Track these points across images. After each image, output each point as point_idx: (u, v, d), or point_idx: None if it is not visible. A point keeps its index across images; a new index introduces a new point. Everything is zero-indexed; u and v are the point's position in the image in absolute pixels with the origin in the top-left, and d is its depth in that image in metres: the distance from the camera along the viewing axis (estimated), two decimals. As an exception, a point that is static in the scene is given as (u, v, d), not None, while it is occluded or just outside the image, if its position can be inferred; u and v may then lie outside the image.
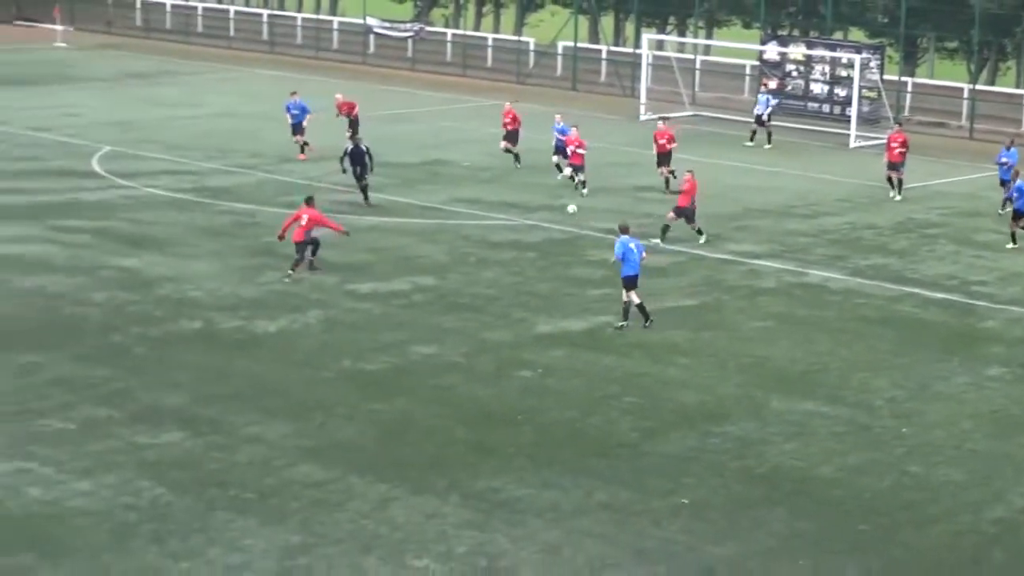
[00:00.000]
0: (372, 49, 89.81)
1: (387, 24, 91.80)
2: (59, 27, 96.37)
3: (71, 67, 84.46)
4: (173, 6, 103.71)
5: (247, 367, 33.39)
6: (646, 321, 36.45)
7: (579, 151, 50.51)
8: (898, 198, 52.46)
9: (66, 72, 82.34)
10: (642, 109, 71.18)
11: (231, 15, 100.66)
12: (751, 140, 63.43)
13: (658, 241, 43.87)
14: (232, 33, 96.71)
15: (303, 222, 40.16)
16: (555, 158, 53.66)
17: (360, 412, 30.88)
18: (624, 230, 37.08)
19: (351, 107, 58.11)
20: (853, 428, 30.58)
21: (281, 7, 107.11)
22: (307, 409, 30.90)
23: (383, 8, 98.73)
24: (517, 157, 55.21)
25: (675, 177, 50.57)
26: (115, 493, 26.40)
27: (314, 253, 40.78)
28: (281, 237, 40.55)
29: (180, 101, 70.04)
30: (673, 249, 44.46)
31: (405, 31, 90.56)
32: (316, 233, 40.54)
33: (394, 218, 48.15)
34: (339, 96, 59.14)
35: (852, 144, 63.64)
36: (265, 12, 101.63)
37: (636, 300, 36.30)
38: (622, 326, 36.19)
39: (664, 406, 31.63)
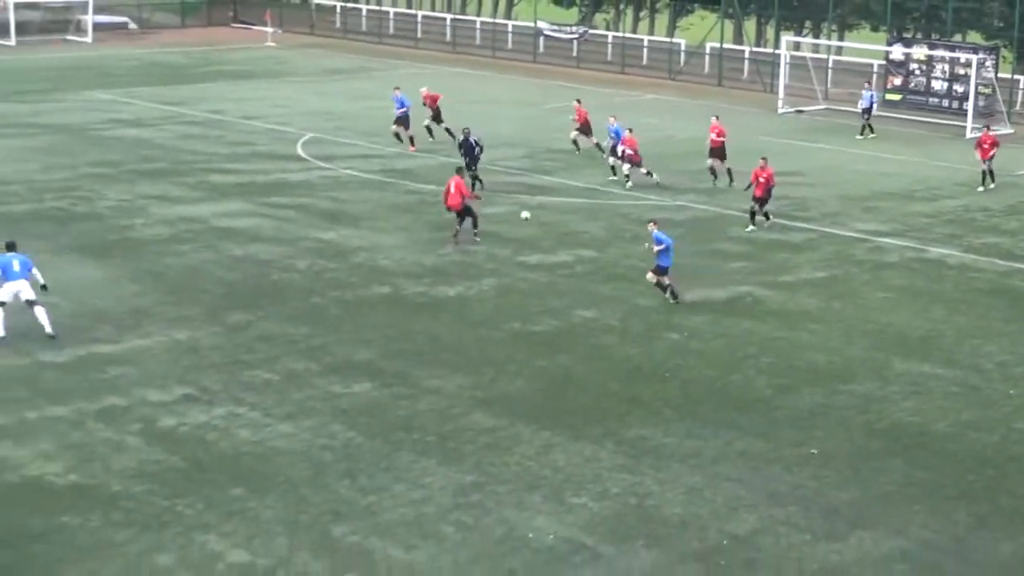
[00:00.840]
0: (542, 49, 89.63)
1: (555, 27, 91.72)
2: (270, 29, 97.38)
3: (280, 64, 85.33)
4: (368, 11, 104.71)
5: (428, 327, 33.60)
6: (675, 300, 35.43)
7: (629, 151, 48.84)
8: (992, 186, 51.25)
9: (275, 68, 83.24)
10: (780, 104, 70.67)
11: (418, 19, 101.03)
12: (861, 134, 62.53)
13: (753, 228, 43.41)
14: (419, 35, 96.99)
15: (452, 190, 40.46)
16: (610, 159, 51.11)
17: (527, 368, 30.97)
18: (654, 222, 35.87)
19: (434, 99, 57.90)
20: (965, 388, 30.15)
21: (463, 11, 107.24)
22: (481, 364, 31.06)
23: (552, 13, 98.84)
24: (599, 146, 53.96)
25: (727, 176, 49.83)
26: (313, 435, 26.75)
27: (475, 225, 40.99)
28: (449, 208, 40.89)
29: (373, 94, 70.36)
30: (806, 227, 44.10)
31: (571, 33, 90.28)
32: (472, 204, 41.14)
33: (559, 198, 48.14)
34: (424, 89, 58.84)
35: (968, 135, 62.38)
36: (448, 16, 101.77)
37: (665, 282, 35.31)
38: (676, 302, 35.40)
39: (796, 366, 31.40)
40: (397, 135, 56.15)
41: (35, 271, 32.20)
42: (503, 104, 69.30)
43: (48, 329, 31.72)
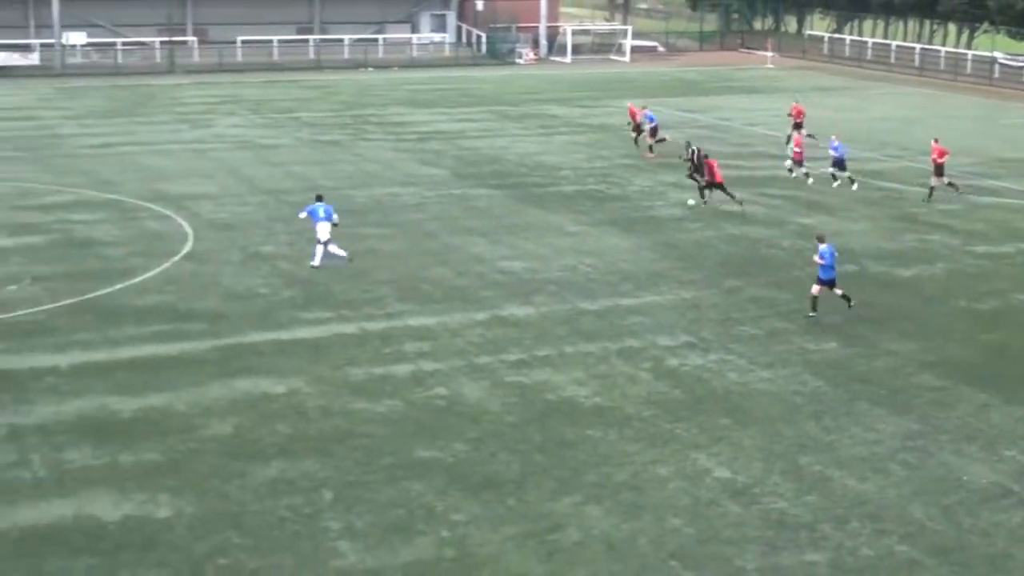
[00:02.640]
0: (997, 75, 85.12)
1: (1009, 56, 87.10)
2: (769, 54, 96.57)
3: (775, 81, 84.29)
4: (851, 40, 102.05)
5: (888, 300, 32.47)
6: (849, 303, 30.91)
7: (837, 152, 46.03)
8: None
9: (772, 85, 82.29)
10: None
11: (892, 47, 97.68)
12: None
13: None
14: (892, 60, 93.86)
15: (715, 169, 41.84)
16: (831, 170, 46.66)
17: (970, 339, 29.50)
18: (821, 239, 30.83)
19: (799, 112, 55.38)
20: None
21: (930, 41, 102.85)
22: (930, 333, 29.79)
23: (1008, 44, 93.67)
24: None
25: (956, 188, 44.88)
26: (787, 382, 26.33)
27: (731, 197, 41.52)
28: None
29: (850, 107, 68.66)
30: None
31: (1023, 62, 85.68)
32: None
33: (1007, 199, 45.58)
34: (794, 103, 56.58)
35: None
36: (917, 45, 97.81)
37: (838, 292, 30.66)
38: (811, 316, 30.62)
39: None
40: (650, 146, 53.19)
41: (335, 216, 34.54)
42: (961, 119, 66.13)
43: (343, 253, 34.31)
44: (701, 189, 42.89)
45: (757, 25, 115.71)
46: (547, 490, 21.16)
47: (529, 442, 23.09)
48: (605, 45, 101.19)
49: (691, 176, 43.59)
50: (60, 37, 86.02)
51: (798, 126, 54.75)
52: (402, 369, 26.78)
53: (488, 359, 27.48)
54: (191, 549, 19.07)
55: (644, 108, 55.95)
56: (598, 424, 23.93)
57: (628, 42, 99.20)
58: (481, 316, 30.59)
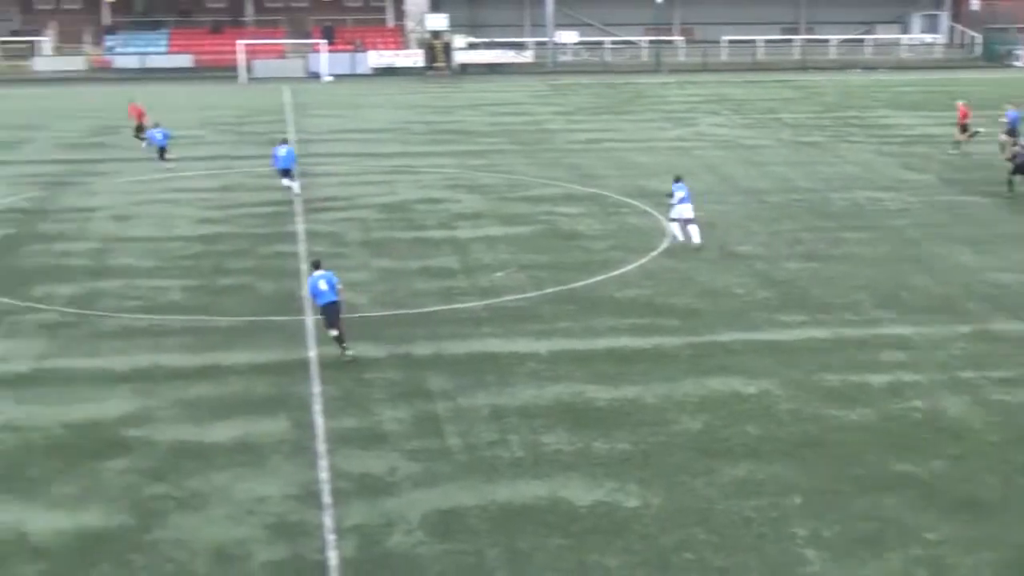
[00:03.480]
0: None
1: None
2: None
3: None
4: None
5: None
6: None
7: None
8: None
9: None
10: None
11: None
12: None
13: None
14: None
15: None
16: None
17: None
18: None
19: None
20: None
21: None
22: None
23: None
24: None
25: None
26: None
27: None
28: None
29: None
30: None
31: None
32: None
33: None
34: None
35: None
36: None
37: None
38: None
39: None
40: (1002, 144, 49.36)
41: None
42: None
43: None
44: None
45: None
46: (1030, 517, 19.97)
47: (1012, 463, 21.84)
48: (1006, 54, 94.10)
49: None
50: (552, 35, 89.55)
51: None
52: (878, 379, 26.02)
53: (971, 374, 26.21)
54: (658, 540, 19.33)
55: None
56: None
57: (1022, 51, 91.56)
58: (965, 329, 29.24)
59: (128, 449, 22.63)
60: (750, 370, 26.52)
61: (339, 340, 27.05)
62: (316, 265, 27.84)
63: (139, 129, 55.71)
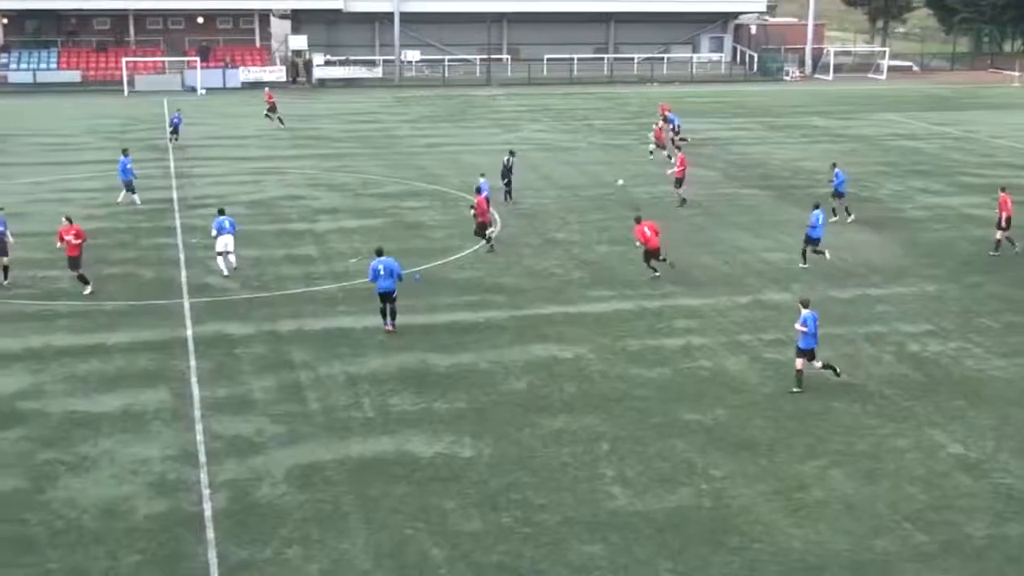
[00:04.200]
0: None
1: None
2: (1016, 74, 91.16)
3: (1021, 99, 79.46)
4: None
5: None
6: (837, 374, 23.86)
7: None
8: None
9: (1017, 102, 77.60)
10: None
11: None
12: None
13: None
14: None
15: None
16: None
17: None
18: (805, 304, 23.12)
19: None
20: None
21: None
22: None
23: None
24: None
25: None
26: (1021, 370, 24.81)
27: None
28: None
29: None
30: None
31: None
32: None
33: None
34: None
35: None
36: None
37: (816, 365, 23.44)
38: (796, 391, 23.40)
39: None
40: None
41: (236, 228, 32.00)
42: None
43: (227, 272, 31.41)
44: None
45: (1007, 47, 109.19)
46: (796, 454, 20.64)
47: (781, 411, 22.57)
48: (864, 64, 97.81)
49: None
50: (399, 54, 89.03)
51: None
52: (673, 343, 26.59)
53: (748, 337, 26.97)
54: (488, 484, 19.48)
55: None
56: (844, 398, 23.16)
57: (885, 62, 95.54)
58: (744, 299, 30.04)
59: (22, 420, 21.92)
60: (567, 338, 26.83)
61: (386, 315, 26.75)
62: (379, 252, 27.07)
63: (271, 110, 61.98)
